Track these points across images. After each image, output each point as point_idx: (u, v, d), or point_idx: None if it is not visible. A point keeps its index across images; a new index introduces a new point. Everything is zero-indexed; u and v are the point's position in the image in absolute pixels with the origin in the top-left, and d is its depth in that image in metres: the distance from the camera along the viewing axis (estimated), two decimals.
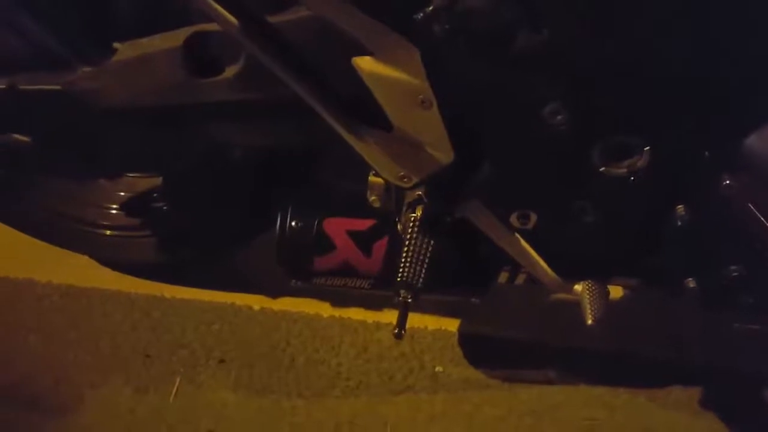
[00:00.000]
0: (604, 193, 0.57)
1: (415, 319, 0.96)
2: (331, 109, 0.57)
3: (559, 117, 0.53)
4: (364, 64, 0.54)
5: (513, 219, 0.63)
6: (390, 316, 0.94)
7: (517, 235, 0.63)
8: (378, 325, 0.96)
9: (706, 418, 0.85)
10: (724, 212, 0.52)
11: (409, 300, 0.58)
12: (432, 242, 0.59)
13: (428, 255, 0.58)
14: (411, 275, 0.57)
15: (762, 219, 0.50)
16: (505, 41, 0.53)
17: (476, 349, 0.94)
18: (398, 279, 0.58)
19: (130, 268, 1.01)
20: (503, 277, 0.75)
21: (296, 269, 0.73)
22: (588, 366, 0.91)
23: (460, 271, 0.72)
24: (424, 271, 0.58)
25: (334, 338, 0.95)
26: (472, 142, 0.58)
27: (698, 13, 0.49)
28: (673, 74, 0.51)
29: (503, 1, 0.52)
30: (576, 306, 0.63)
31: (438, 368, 0.92)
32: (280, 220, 0.72)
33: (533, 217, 0.63)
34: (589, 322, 0.59)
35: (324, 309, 0.98)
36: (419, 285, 0.58)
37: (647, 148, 0.53)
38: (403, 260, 0.58)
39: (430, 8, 0.52)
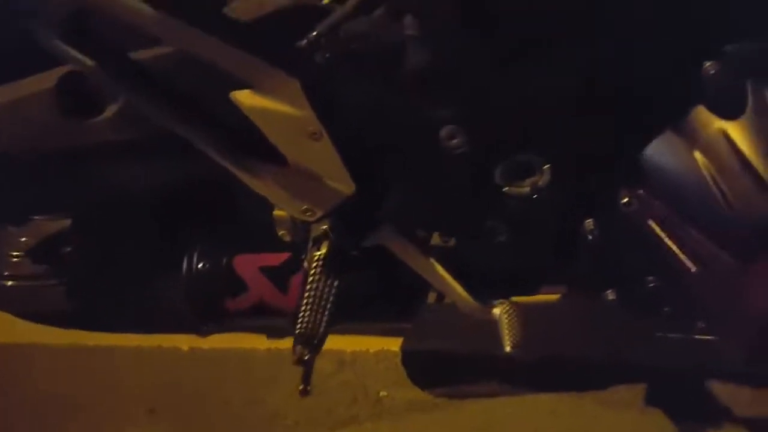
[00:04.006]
0: (510, 212, 0.55)
1: (356, 342, 0.93)
2: (216, 145, 0.53)
3: (456, 139, 0.52)
4: (244, 98, 0.51)
5: (434, 237, 0.61)
6: (330, 342, 0.91)
7: (432, 260, 0.60)
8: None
9: (652, 414, 0.85)
10: (629, 227, 0.51)
11: (306, 358, 0.54)
12: (336, 284, 0.55)
13: (331, 299, 0.55)
14: (311, 325, 0.54)
15: (662, 235, 0.49)
16: (392, 65, 0.50)
17: (420, 367, 0.91)
18: (296, 331, 0.54)
19: (47, 318, 0.95)
20: (431, 296, 0.73)
21: (206, 313, 0.68)
22: (533, 374, 0.89)
23: (381, 299, 0.68)
24: (326, 318, 0.54)
25: (272, 374, 0.91)
26: (373, 170, 0.55)
27: (588, 33, 0.49)
28: (565, 93, 0.51)
29: (387, 25, 0.49)
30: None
31: (382, 393, 0.89)
32: (186, 263, 0.67)
33: None
34: (507, 349, 0.57)
35: (260, 342, 0.94)
36: (319, 338, 0.55)
37: (547, 166, 0.52)
38: (302, 308, 0.55)
39: (314, 34, 0.50)
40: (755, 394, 0.81)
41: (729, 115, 0.48)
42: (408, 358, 0.92)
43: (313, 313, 0.54)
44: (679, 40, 0.49)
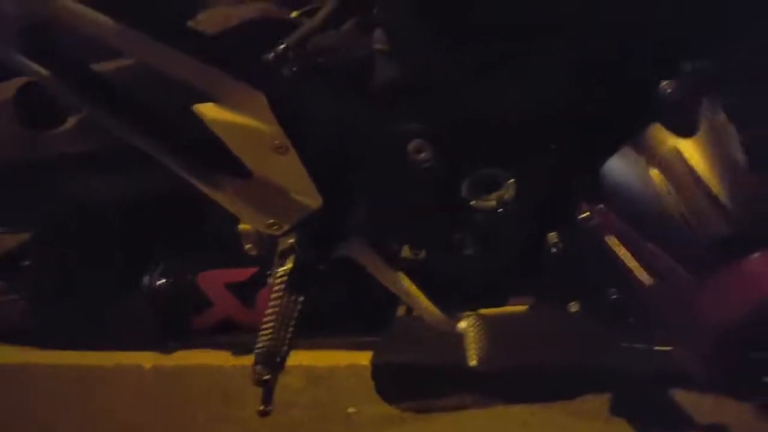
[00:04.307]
0: (477, 225, 0.56)
1: (326, 357, 0.91)
2: (178, 159, 0.53)
3: (423, 153, 0.52)
4: (208, 111, 0.50)
5: (405, 250, 0.61)
6: (300, 357, 0.89)
7: (400, 273, 0.60)
8: (286, 369, 0.91)
9: (619, 424, 0.86)
10: (589, 241, 0.52)
11: (267, 378, 0.53)
12: (301, 300, 0.55)
13: (295, 316, 0.54)
14: (273, 343, 0.53)
15: (620, 249, 0.50)
16: (360, 79, 0.51)
17: (390, 381, 0.90)
18: (257, 349, 0.53)
19: (4, 335, 0.91)
20: (402, 309, 0.73)
21: (170, 330, 0.67)
22: (503, 386, 0.89)
23: (350, 312, 0.68)
24: (290, 335, 0.53)
25: (238, 390, 0.89)
26: (340, 184, 0.55)
27: (551, 50, 0.50)
28: (529, 108, 0.51)
29: (355, 39, 0.50)
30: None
31: (351, 409, 0.87)
32: (149, 279, 0.66)
33: None
34: (473, 363, 0.57)
35: (225, 359, 0.92)
36: (281, 356, 0.54)
37: (512, 180, 0.53)
38: (265, 326, 0.54)
39: (281, 47, 0.50)
40: (717, 402, 0.83)
41: (684, 132, 0.50)
42: (378, 372, 0.91)
43: (276, 331, 0.53)
44: (639, 60, 0.50)
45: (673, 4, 0.50)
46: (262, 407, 0.53)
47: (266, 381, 0.53)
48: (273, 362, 0.53)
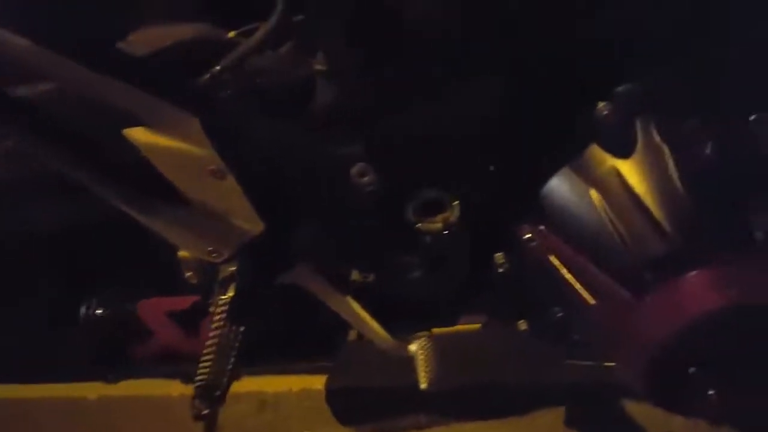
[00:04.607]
0: (424, 247, 0.55)
1: (278, 383, 0.89)
2: (110, 186, 0.50)
3: (367, 177, 0.51)
4: (139, 135, 0.48)
5: (355, 274, 0.60)
6: (248, 384, 0.87)
7: (348, 297, 0.59)
8: (236, 397, 0.88)
9: None
10: (533, 262, 0.53)
11: (206, 412, 0.51)
12: (242, 330, 0.53)
13: (236, 346, 0.52)
14: (213, 375, 0.51)
15: (562, 269, 0.50)
16: (300, 101, 0.49)
17: (345, 404, 0.89)
18: (196, 383, 0.51)
19: None
20: (353, 334, 0.71)
21: (110, 360, 0.64)
22: (458, 405, 0.89)
23: (300, 337, 0.66)
24: (230, 367, 0.51)
25: (185, 419, 0.86)
26: (283, 209, 0.54)
27: (489, 72, 0.50)
28: (467, 130, 0.52)
29: (294, 60, 0.49)
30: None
31: None
32: (86, 309, 0.63)
33: None
34: (423, 386, 0.56)
35: (173, 388, 0.88)
36: (222, 389, 0.51)
37: (456, 202, 0.52)
38: (204, 357, 0.51)
39: (217, 69, 0.48)
40: (668, 413, 0.85)
41: (621, 153, 0.50)
42: (332, 396, 0.89)
43: (216, 363, 0.51)
44: (576, 82, 0.51)
45: (607, 27, 0.51)
46: None
47: (206, 415, 0.51)
48: (212, 396, 0.51)
